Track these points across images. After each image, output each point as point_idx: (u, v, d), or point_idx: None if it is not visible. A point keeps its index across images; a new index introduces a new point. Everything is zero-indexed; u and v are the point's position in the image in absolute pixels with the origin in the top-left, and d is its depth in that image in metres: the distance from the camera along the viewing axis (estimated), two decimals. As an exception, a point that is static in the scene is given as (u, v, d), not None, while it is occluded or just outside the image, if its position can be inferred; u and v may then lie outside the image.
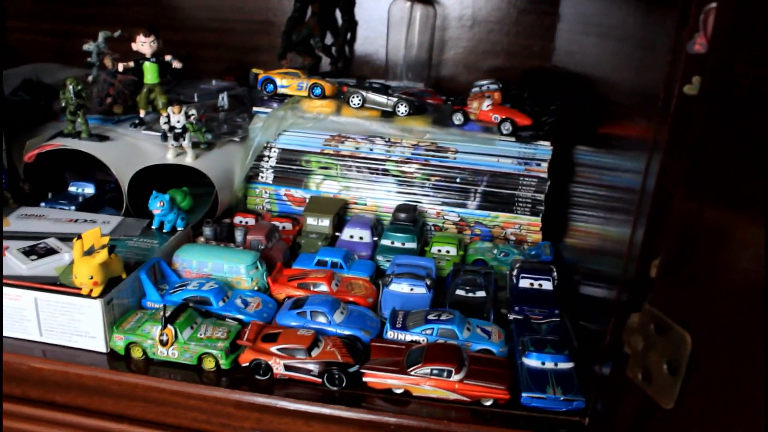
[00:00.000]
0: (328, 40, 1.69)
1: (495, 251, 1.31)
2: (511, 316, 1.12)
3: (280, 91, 1.44)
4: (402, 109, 1.38)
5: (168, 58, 1.40)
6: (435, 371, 0.95)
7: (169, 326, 0.98)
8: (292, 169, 1.42)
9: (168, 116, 1.30)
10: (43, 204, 1.31)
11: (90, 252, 1.01)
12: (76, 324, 1.01)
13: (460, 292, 1.15)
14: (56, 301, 1.00)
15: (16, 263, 1.07)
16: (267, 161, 1.42)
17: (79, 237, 1.01)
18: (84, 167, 1.41)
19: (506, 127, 1.35)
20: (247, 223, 1.35)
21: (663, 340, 0.79)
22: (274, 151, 1.42)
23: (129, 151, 1.36)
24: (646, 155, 0.85)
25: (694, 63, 0.77)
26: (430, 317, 1.05)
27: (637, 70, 0.95)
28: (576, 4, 1.52)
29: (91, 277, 0.98)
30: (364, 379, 0.97)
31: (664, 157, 0.82)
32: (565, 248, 1.29)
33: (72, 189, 1.37)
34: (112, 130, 1.42)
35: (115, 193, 1.38)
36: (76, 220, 1.23)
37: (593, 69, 1.26)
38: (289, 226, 1.34)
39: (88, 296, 0.99)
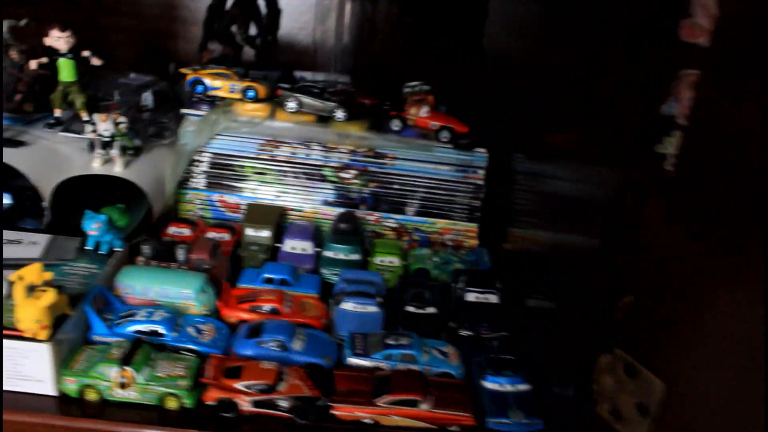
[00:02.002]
0: (252, 30, 1.62)
1: (435, 259, 1.33)
2: (463, 333, 1.15)
3: (211, 93, 1.37)
4: (339, 114, 1.36)
5: (86, 54, 1.30)
6: (402, 401, 0.97)
7: (126, 368, 0.94)
8: (225, 174, 1.37)
9: (94, 124, 1.22)
10: (-46, 219, 1.20)
11: (31, 290, 0.94)
12: (20, 368, 0.94)
13: (410, 308, 1.17)
14: (-4, 344, 0.93)
15: (-59, 300, 0.98)
16: (199, 166, 1.36)
17: (20, 277, 0.94)
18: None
19: (444, 135, 1.36)
20: (182, 233, 1.29)
21: (633, 383, 0.84)
22: (206, 156, 1.36)
23: (49, 158, 1.26)
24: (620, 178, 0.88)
25: (666, 123, 0.80)
26: (389, 341, 1.06)
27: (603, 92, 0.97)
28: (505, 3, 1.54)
29: (38, 321, 0.92)
30: (333, 411, 0.97)
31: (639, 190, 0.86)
32: (506, 256, 1.33)
33: (-15, 199, 1.26)
34: (26, 132, 1.31)
35: (34, 201, 1.28)
36: (-2, 241, 1.14)
37: (534, 73, 1.29)
38: (227, 236, 1.30)
39: (34, 339, 0.93)
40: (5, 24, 1.34)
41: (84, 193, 1.27)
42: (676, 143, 0.80)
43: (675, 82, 0.79)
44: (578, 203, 1.04)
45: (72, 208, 1.24)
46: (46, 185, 1.22)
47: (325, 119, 1.37)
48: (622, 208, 0.90)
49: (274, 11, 1.64)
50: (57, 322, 0.96)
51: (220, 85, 1.37)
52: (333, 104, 1.36)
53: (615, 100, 0.90)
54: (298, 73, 1.64)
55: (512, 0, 1.47)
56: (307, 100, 1.36)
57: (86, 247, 1.15)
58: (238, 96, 1.37)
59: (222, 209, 1.39)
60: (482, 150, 1.38)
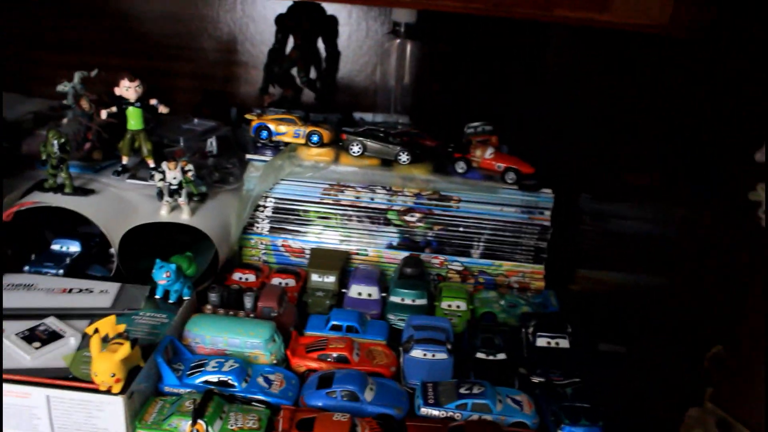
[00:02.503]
0: (312, 73, 1.63)
1: (502, 302, 1.30)
2: (535, 380, 1.12)
3: (276, 138, 1.37)
4: (404, 157, 1.35)
5: (153, 102, 1.31)
6: (478, 455, 0.94)
7: (199, 421, 0.93)
8: (289, 218, 1.37)
9: (163, 172, 1.23)
10: (27, 268, 1.21)
11: (105, 340, 0.95)
12: (95, 421, 0.94)
13: (480, 355, 1.14)
14: (71, 398, 0.93)
15: (18, 353, 0.98)
16: (263, 211, 1.37)
17: (96, 330, 0.94)
18: (64, 219, 1.31)
19: (510, 177, 1.34)
20: (247, 279, 1.29)
21: (728, 439, 0.80)
22: (270, 201, 1.37)
23: (117, 206, 1.28)
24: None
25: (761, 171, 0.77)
26: (462, 391, 1.03)
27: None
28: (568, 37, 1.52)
29: (113, 375, 0.92)
30: (408, 465, 0.95)
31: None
32: (573, 298, 1.30)
33: (55, 247, 1.27)
34: (95, 180, 1.33)
35: (101, 248, 1.29)
36: (70, 290, 1.15)
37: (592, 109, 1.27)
38: (291, 282, 1.30)
39: (108, 392, 0.93)
40: (77, 75, 1.37)
41: (151, 238, 1.28)
42: (770, 191, 0.77)
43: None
44: (660, 246, 1.01)
45: (138, 253, 1.26)
46: (114, 232, 1.23)
47: (389, 162, 1.37)
48: (709, 254, 0.86)
49: (334, 54, 1.65)
50: (130, 373, 0.96)
51: (284, 130, 1.37)
52: (397, 147, 1.35)
53: (707, 144, 0.87)
54: (357, 115, 1.65)
55: (575, 34, 1.44)
56: (371, 143, 1.35)
57: (155, 296, 1.15)
58: (302, 141, 1.37)
59: (286, 254, 1.38)
60: (548, 191, 1.35)
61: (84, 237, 1.31)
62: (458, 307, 1.27)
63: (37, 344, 1.00)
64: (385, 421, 1.00)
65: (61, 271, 1.22)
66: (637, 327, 1.07)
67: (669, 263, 0.97)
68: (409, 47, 1.56)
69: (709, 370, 0.84)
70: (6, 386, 0.93)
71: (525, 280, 1.37)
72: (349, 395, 1.02)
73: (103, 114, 1.30)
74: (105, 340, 0.95)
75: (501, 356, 1.14)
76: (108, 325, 0.97)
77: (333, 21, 1.64)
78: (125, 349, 0.92)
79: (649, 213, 1.06)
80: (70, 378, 0.95)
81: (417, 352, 1.13)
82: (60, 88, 1.36)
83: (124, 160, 1.36)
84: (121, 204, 1.29)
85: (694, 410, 0.84)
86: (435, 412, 1.02)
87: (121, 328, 0.97)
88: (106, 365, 0.91)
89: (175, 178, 1.23)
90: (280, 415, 0.98)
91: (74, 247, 1.28)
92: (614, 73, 1.23)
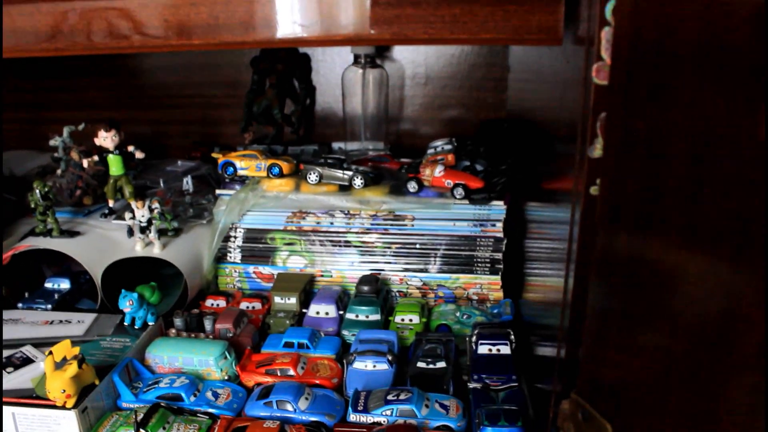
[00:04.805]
0: (289, 108, 1.75)
1: (458, 314, 1.36)
2: (471, 385, 1.17)
3: (240, 173, 1.49)
4: (358, 182, 1.44)
5: (131, 149, 1.46)
6: (395, 455, 1.00)
7: (142, 430, 1.03)
8: (258, 247, 1.48)
9: (132, 211, 1.36)
10: (20, 305, 1.36)
11: (62, 363, 1.07)
12: (53, 433, 1.06)
13: (421, 364, 1.20)
14: (33, 414, 1.06)
15: (-7, 377, 1.12)
16: (234, 241, 1.48)
17: (50, 352, 1.07)
18: (60, 260, 1.46)
19: (459, 192, 1.40)
20: (218, 305, 1.40)
21: (589, 428, 0.84)
22: (240, 231, 1.48)
23: (100, 244, 1.42)
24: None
25: (596, 167, 0.82)
26: (390, 397, 1.10)
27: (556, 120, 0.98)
28: (521, 55, 1.57)
29: (64, 391, 1.03)
30: (331, 466, 1.02)
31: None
32: (523, 305, 1.34)
33: (48, 285, 1.42)
34: (83, 223, 1.48)
35: (91, 284, 1.43)
36: (51, 322, 1.29)
37: (539, 120, 1.31)
38: (258, 305, 1.40)
39: (63, 407, 1.05)
40: (66, 130, 1.53)
41: (134, 272, 1.41)
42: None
43: (599, 124, 0.81)
44: (549, 245, 1.05)
45: (124, 287, 1.39)
46: (97, 268, 1.36)
47: (345, 187, 1.45)
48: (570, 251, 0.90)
49: (308, 89, 1.76)
50: (86, 391, 1.08)
51: (247, 165, 1.49)
52: (351, 173, 1.44)
53: (560, 147, 0.92)
54: (336, 144, 1.75)
55: (525, 53, 1.50)
56: (326, 171, 1.45)
57: (124, 323, 1.27)
58: (264, 174, 1.48)
59: (257, 280, 1.49)
60: (499, 203, 1.41)
61: (76, 274, 1.45)
62: (411, 320, 1.33)
63: (10, 369, 1.14)
64: (315, 427, 1.08)
65: (49, 306, 1.37)
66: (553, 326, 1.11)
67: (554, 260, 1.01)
68: (371, 76, 1.65)
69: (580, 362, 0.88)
70: (-24, 406, 1.06)
71: (483, 292, 1.42)
72: (283, 404, 1.10)
73: (85, 163, 1.45)
74: (63, 361, 1.07)
75: (441, 365, 1.20)
76: (64, 349, 1.09)
77: (306, 58, 1.75)
78: (73, 367, 1.04)
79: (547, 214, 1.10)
80: (34, 397, 1.08)
81: (358, 364, 1.20)
82: (52, 142, 1.52)
83: (111, 203, 1.50)
84: (104, 243, 1.43)
85: (566, 402, 0.88)
86: (363, 418, 1.09)
87: (75, 350, 1.09)
88: (57, 383, 1.03)
89: (143, 216, 1.36)
90: (217, 423, 1.07)
91: (65, 284, 1.43)
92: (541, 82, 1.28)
